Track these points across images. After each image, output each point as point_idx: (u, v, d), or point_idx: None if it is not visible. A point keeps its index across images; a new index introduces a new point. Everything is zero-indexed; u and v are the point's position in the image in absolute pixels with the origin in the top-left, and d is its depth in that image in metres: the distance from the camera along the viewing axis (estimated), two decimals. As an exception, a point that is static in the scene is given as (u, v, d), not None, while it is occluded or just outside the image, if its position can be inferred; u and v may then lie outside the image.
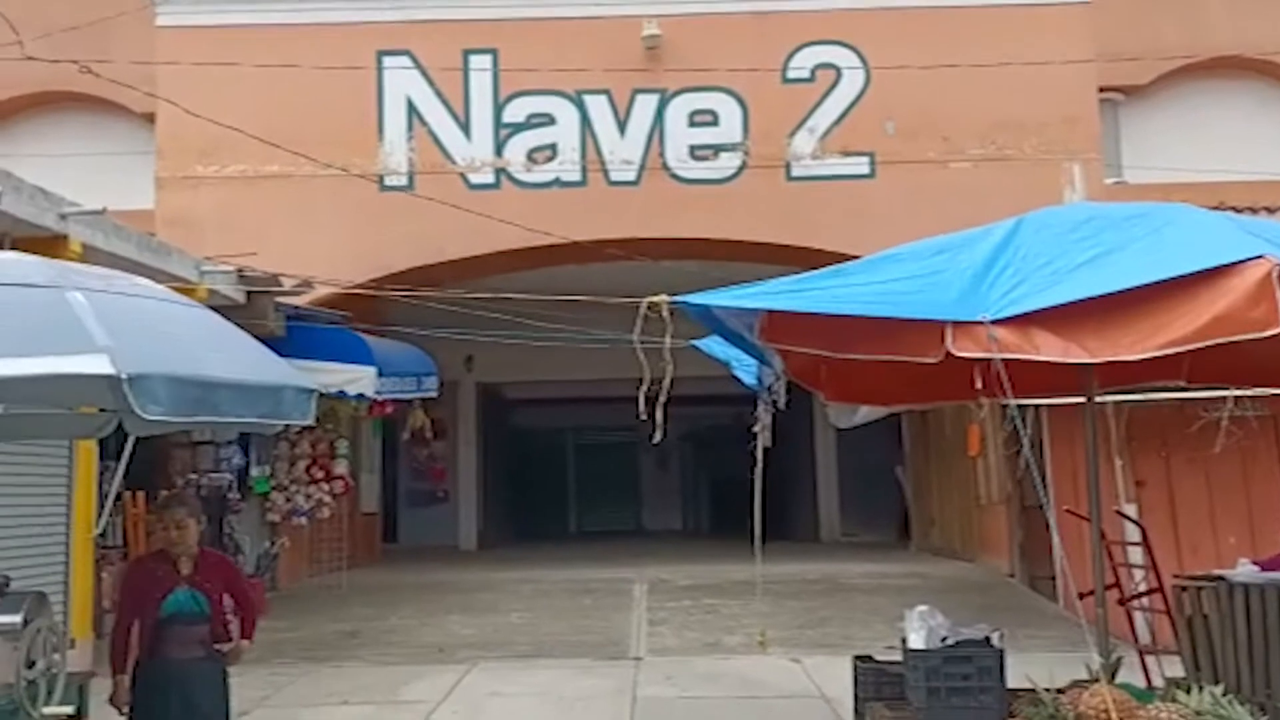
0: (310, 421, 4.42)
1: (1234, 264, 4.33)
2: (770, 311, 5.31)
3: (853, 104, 13.46)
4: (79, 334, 3.53)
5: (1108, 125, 14.67)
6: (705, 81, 13.38)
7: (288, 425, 4.75)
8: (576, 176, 13.50)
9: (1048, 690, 4.97)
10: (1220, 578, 6.50)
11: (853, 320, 4.85)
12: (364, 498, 17.15)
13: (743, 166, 13.46)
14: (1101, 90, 14.04)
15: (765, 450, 6.72)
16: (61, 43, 11.95)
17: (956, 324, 4.51)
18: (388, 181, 13.46)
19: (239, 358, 4.21)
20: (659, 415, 4.98)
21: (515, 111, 13.57)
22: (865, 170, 13.44)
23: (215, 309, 4.83)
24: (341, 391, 11.54)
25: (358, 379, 11.64)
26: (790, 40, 13.54)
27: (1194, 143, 14.80)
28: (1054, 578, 11.88)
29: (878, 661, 6.21)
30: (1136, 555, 8.68)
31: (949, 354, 4.52)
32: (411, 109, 13.56)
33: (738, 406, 13.93)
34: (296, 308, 11.94)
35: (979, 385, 4.77)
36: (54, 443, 8.57)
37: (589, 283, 11.20)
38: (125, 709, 5.38)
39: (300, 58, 12.74)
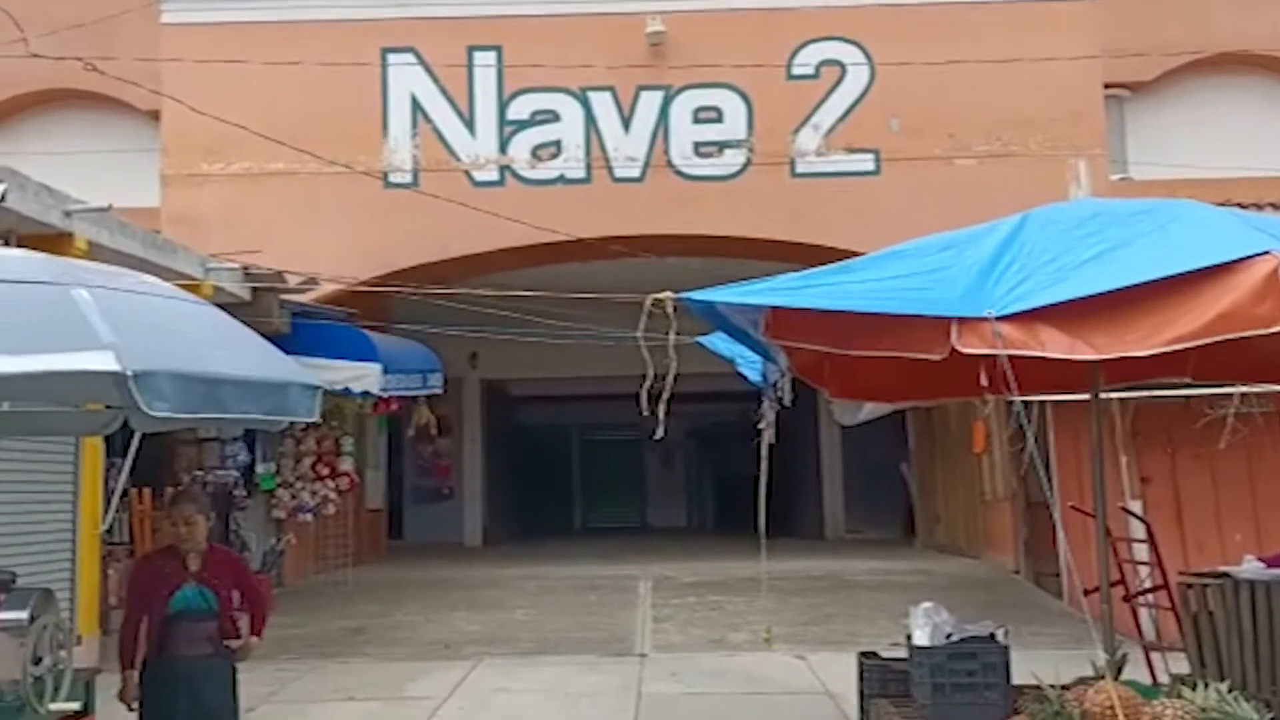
0: (315, 418, 4.42)
1: (1240, 260, 4.32)
2: (775, 308, 5.31)
3: (857, 100, 13.44)
4: (84, 331, 3.53)
5: (1113, 121, 14.65)
6: (710, 78, 13.36)
7: (293, 422, 4.76)
8: (581, 173, 13.49)
9: (1053, 687, 4.96)
10: (1226, 574, 6.50)
11: (857, 316, 4.85)
12: (369, 494, 17.16)
13: (747, 163, 13.44)
14: (1107, 86, 14.01)
15: (770, 447, 6.72)
16: (66, 40, 12.00)
17: (962, 320, 4.50)
18: (392, 179, 13.46)
19: (244, 355, 4.22)
20: (663, 412, 4.99)
21: (520, 108, 13.57)
22: (870, 167, 13.42)
23: (220, 306, 4.84)
24: (347, 388, 11.56)
25: (363, 376, 11.66)
26: (795, 37, 13.51)
27: (1200, 139, 14.75)
28: (1059, 574, 11.85)
29: (883, 658, 6.22)
30: (1142, 552, 8.65)
31: (954, 350, 4.52)
32: (416, 106, 13.57)
33: (742, 403, 13.92)
34: (302, 305, 11.97)
35: (984, 382, 4.76)
36: (60, 439, 8.59)
37: (593, 280, 11.25)
38: (134, 705, 5.39)
39: (305, 55, 12.75)
